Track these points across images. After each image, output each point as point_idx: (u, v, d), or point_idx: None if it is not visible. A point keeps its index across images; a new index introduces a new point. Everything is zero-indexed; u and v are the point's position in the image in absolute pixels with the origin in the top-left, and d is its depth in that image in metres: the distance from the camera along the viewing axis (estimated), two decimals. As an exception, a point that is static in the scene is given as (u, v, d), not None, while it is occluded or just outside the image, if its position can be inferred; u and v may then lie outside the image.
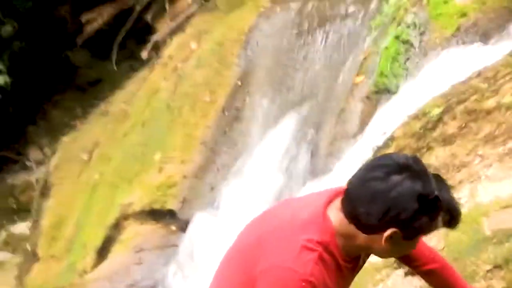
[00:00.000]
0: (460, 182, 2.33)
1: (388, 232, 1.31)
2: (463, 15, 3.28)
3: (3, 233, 7.44)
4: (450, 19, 3.33)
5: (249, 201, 3.80)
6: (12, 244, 7.31)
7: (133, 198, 4.67)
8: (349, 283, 1.48)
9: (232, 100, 4.61)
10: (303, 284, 1.30)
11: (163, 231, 4.34)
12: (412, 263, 1.63)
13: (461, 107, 2.51)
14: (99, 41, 7.46)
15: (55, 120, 8.08)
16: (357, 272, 1.49)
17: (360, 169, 1.36)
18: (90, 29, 6.24)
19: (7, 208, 7.76)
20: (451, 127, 2.49)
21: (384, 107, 3.27)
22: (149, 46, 6.10)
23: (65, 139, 6.50)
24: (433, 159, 2.50)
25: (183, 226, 4.29)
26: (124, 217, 4.52)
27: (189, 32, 5.76)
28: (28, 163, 8.04)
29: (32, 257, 5.84)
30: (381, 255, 1.44)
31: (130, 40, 7.46)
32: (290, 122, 4.15)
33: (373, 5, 4.17)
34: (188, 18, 6.06)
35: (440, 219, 1.33)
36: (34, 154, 8.11)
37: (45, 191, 6.30)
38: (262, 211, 1.50)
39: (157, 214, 4.44)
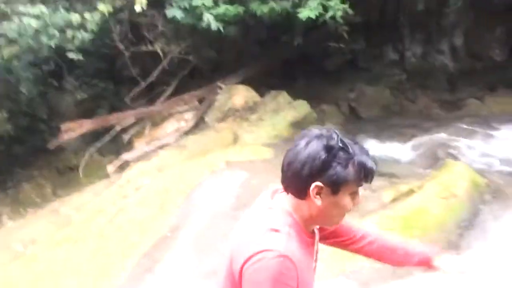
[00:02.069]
0: None
1: (313, 186, 1.47)
2: None
3: None
4: None
5: None
6: None
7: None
8: (314, 258, 1.61)
9: (154, 250, 4.67)
10: (281, 259, 1.42)
11: None
12: (343, 237, 1.76)
13: None
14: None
15: (24, 193, 8.23)
16: (317, 246, 1.63)
17: None
18: (66, 137, 6.57)
19: None
20: None
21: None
22: (117, 163, 6.34)
23: (10, 224, 6.58)
24: None
25: None
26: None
27: (152, 163, 6.00)
28: (-20, 226, 8.11)
29: None
30: (326, 220, 1.56)
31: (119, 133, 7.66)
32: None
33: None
34: (160, 148, 6.35)
35: (353, 172, 1.47)
36: (-10, 219, 8.20)
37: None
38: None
39: None
